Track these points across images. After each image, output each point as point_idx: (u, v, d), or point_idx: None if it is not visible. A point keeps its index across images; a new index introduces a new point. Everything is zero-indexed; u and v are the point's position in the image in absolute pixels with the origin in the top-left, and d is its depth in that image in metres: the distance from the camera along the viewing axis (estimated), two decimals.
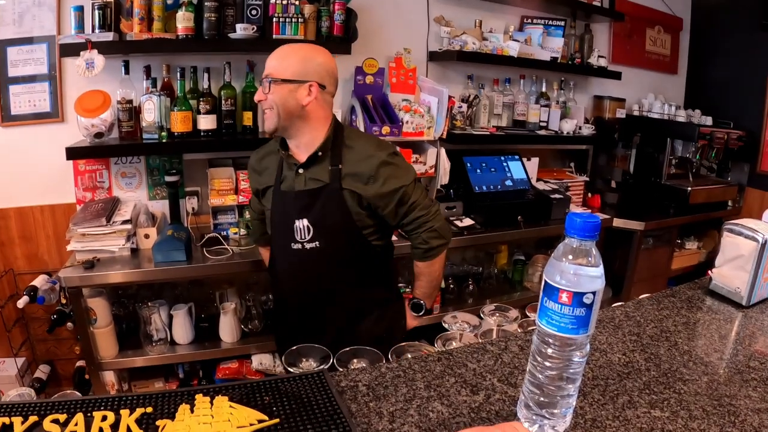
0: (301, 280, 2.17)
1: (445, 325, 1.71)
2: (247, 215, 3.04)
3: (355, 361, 1.43)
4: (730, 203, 4.57)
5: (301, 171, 2.05)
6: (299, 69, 1.96)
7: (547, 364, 0.95)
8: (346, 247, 2.10)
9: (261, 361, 2.99)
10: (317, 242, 2.04)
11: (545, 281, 0.91)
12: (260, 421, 1.00)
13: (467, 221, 3.36)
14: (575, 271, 0.88)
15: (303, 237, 2.04)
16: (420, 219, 2.12)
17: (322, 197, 2.01)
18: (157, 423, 1.00)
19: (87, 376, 2.86)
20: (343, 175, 2.00)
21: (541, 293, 0.93)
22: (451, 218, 3.39)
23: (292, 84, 1.94)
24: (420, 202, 2.11)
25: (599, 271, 0.89)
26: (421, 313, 2.36)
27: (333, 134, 2.04)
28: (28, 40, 2.83)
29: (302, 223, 2.03)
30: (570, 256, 0.89)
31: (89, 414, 1.02)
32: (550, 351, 0.94)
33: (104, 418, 1.00)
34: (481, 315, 1.76)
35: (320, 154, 2.02)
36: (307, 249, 2.06)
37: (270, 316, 3.10)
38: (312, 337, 1.66)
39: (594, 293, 0.88)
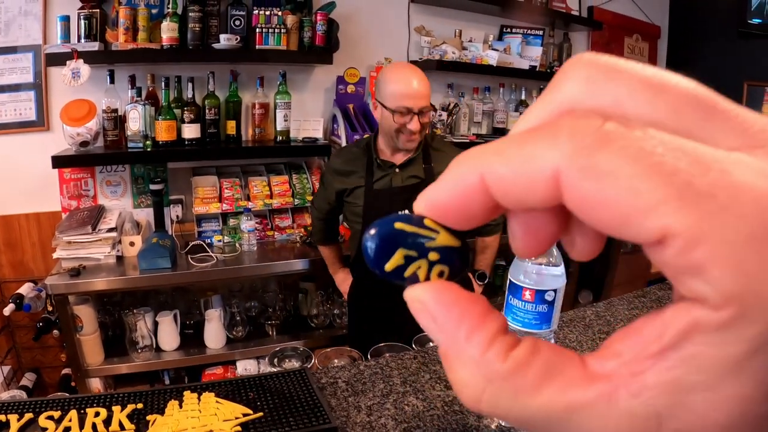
0: None
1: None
2: (231, 223, 3.08)
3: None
4: None
5: (397, 171, 2.36)
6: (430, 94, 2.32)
7: None
8: None
9: (246, 366, 3.03)
10: None
11: (510, 280, 0.97)
12: (245, 415, 1.05)
13: None
14: (537, 271, 0.94)
15: None
16: None
17: (420, 191, 2.14)
18: (148, 418, 1.05)
19: (73, 384, 2.87)
20: (435, 173, 2.32)
21: (506, 292, 0.99)
22: None
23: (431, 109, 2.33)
24: None
25: (560, 270, 0.95)
26: (485, 282, 2.65)
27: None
28: (13, 49, 2.85)
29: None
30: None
31: (82, 411, 1.06)
32: None
33: (97, 414, 1.05)
34: None
35: (415, 156, 2.36)
36: None
37: (253, 322, 3.14)
38: (396, 325, 1.75)
39: (555, 291, 0.94)
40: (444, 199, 0.26)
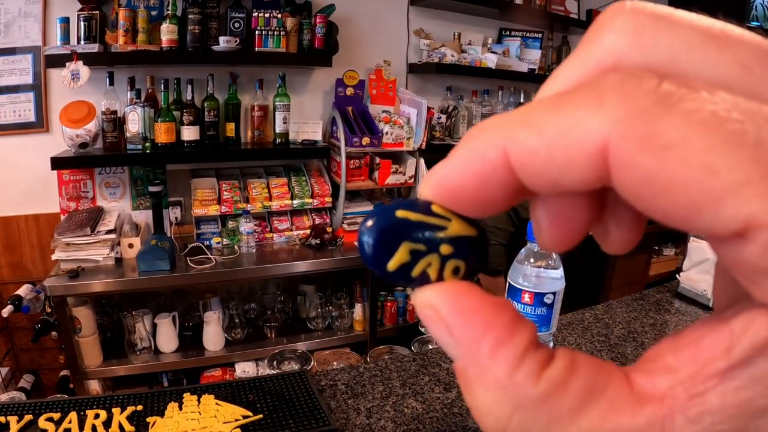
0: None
1: (422, 329, 1.77)
2: (229, 225, 3.08)
3: None
4: None
5: None
6: None
7: None
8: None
9: (244, 369, 3.03)
10: None
11: (509, 283, 0.97)
12: (245, 417, 1.06)
13: None
14: (536, 274, 0.94)
15: None
16: None
17: None
18: (148, 420, 1.05)
19: (71, 386, 2.87)
20: None
21: (505, 295, 0.99)
22: None
23: None
24: None
25: (559, 273, 0.96)
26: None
27: None
28: (12, 51, 2.85)
29: None
30: (531, 260, 0.95)
31: (82, 412, 1.06)
32: None
33: (97, 416, 1.05)
34: None
35: None
36: None
37: (251, 324, 3.15)
38: None
39: (554, 294, 0.94)
40: (457, 179, 0.21)
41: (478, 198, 0.21)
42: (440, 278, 0.22)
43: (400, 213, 0.22)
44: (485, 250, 0.23)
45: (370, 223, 0.22)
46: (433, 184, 0.22)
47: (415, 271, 0.22)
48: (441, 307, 0.21)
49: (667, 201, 0.17)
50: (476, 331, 0.20)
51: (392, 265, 0.22)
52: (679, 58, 0.18)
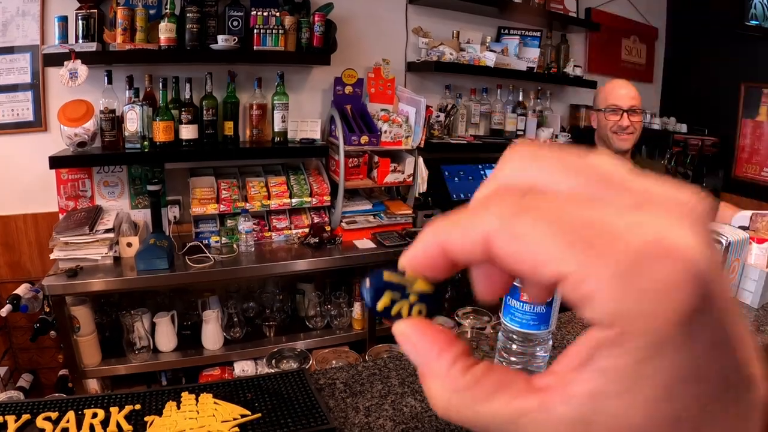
0: None
1: None
2: (228, 224, 3.08)
3: None
4: None
5: None
6: (641, 104, 2.59)
7: (513, 359, 1.00)
8: None
9: (243, 368, 3.03)
10: None
11: None
12: (243, 416, 1.05)
13: None
14: None
15: None
16: None
17: None
18: (146, 419, 1.05)
19: (70, 385, 2.86)
20: None
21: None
22: None
23: (644, 114, 2.54)
24: None
25: None
26: None
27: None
28: (10, 50, 2.85)
29: None
30: None
31: (80, 411, 1.06)
32: (514, 347, 1.00)
33: (95, 415, 1.05)
34: (456, 318, 1.82)
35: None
36: None
37: (250, 323, 3.15)
38: None
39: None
40: (418, 258, 0.33)
41: (431, 269, 0.33)
42: (409, 316, 0.34)
43: (386, 275, 0.34)
44: (440, 299, 0.35)
45: (368, 282, 0.35)
46: (405, 261, 0.34)
47: (394, 311, 0.34)
48: (409, 332, 0.33)
49: (519, 267, 0.28)
50: (429, 344, 0.32)
51: (379, 306, 0.34)
52: (542, 180, 0.30)
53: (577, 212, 0.27)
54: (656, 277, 0.25)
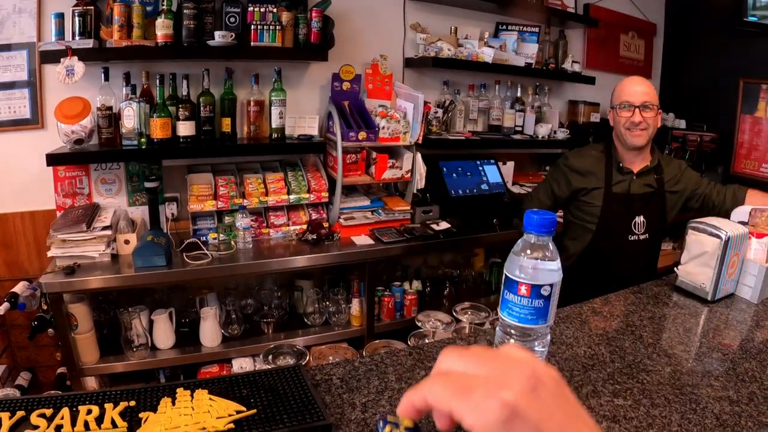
0: (630, 266, 2.68)
1: (419, 324, 1.76)
2: (226, 220, 3.07)
3: None
4: None
5: (635, 178, 2.63)
6: (657, 99, 2.58)
7: None
8: (659, 238, 2.78)
9: (241, 365, 3.02)
10: (647, 234, 2.65)
11: (505, 275, 0.96)
12: (238, 412, 1.05)
13: (444, 225, 3.41)
14: (533, 265, 0.93)
15: (639, 230, 2.63)
16: (717, 189, 2.73)
17: (653, 199, 2.65)
18: (140, 415, 1.04)
19: (68, 383, 2.86)
20: (665, 181, 2.66)
21: (502, 286, 0.98)
22: (428, 222, 3.44)
23: (659, 110, 2.58)
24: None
25: (556, 264, 0.94)
26: None
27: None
28: (7, 47, 2.84)
29: (640, 219, 2.62)
30: (528, 251, 0.94)
31: (75, 408, 1.05)
32: (512, 341, 0.99)
33: (89, 412, 1.04)
34: (454, 313, 1.81)
35: (652, 166, 2.64)
36: (640, 240, 2.65)
37: (248, 320, 3.14)
38: None
39: (551, 285, 0.93)
40: (404, 410, 0.61)
41: (410, 414, 0.61)
42: None
43: (390, 417, 0.71)
44: (419, 428, 0.69)
45: (380, 420, 0.72)
46: (399, 411, 0.62)
47: None
48: None
49: (438, 407, 0.56)
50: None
51: None
52: (452, 366, 0.59)
53: (461, 380, 0.55)
54: (487, 408, 0.51)
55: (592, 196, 2.69)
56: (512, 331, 0.98)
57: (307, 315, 3.23)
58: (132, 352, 2.80)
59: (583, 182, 2.71)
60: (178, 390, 1.11)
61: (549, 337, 1.00)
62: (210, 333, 2.95)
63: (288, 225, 3.21)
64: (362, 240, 3.21)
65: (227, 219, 3.08)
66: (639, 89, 2.56)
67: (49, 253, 2.66)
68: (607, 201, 2.65)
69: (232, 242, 3.02)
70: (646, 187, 2.65)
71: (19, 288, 2.77)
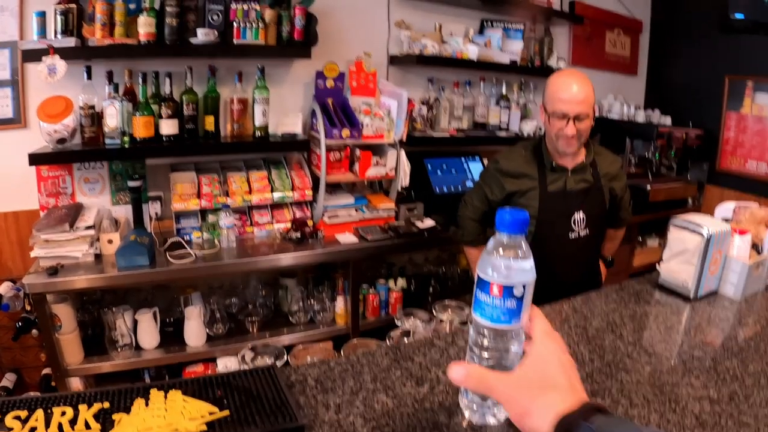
0: (573, 264, 2.61)
1: (397, 322, 1.76)
2: (209, 219, 3.06)
3: None
4: (690, 201, 4.67)
5: (570, 174, 2.53)
6: (593, 101, 2.41)
7: (485, 354, 0.99)
8: (601, 232, 2.73)
9: (226, 364, 3.01)
10: (588, 230, 2.58)
11: (477, 275, 0.96)
12: (211, 413, 1.04)
13: (428, 222, 3.41)
14: (506, 265, 0.93)
15: (579, 227, 2.55)
16: (627, 198, 2.83)
17: (590, 194, 2.57)
18: (114, 417, 1.04)
19: (53, 383, 2.85)
20: (601, 176, 2.59)
21: (475, 286, 0.98)
22: (412, 219, 3.44)
23: (594, 110, 2.44)
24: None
25: (529, 264, 0.94)
26: (611, 266, 3.05)
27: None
28: None
29: (579, 215, 2.54)
30: (500, 251, 0.94)
31: (49, 410, 1.05)
32: (486, 342, 0.99)
33: (63, 414, 1.04)
34: (434, 311, 1.81)
35: (587, 162, 2.56)
36: (582, 236, 2.57)
37: (233, 319, 3.14)
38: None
39: (524, 285, 0.93)
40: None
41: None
42: None
43: None
44: None
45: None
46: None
47: None
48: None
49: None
50: None
51: None
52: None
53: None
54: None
55: (528, 197, 2.55)
56: (485, 332, 0.98)
57: (291, 313, 3.23)
58: (116, 352, 2.80)
59: (517, 185, 2.57)
60: (151, 391, 1.11)
61: (524, 337, 1.00)
62: (194, 332, 2.95)
63: (272, 223, 3.21)
64: (347, 238, 3.21)
65: (211, 218, 3.08)
66: (575, 98, 2.34)
67: (33, 254, 2.64)
68: (543, 200, 2.53)
69: (216, 241, 3.02)
70: (583, 183, 2.55)
71: (3, 289, 2.76)
